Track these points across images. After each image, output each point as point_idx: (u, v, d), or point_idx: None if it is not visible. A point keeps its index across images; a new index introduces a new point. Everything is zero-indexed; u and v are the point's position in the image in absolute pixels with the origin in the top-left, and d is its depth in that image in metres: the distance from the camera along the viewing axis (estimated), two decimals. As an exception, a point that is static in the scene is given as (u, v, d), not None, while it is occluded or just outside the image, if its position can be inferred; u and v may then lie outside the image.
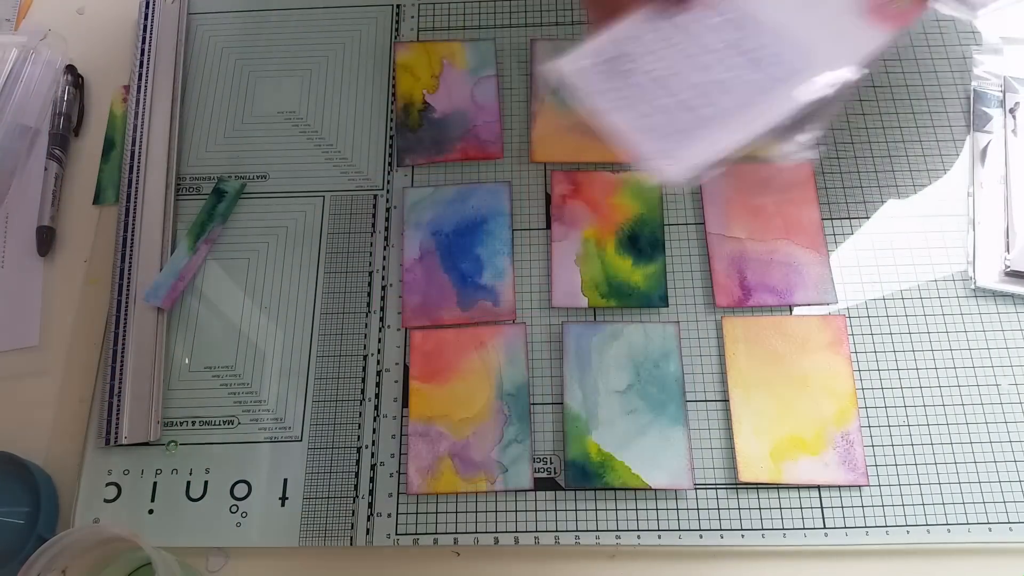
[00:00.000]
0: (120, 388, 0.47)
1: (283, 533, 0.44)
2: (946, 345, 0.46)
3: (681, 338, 0.47)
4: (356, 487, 0.45)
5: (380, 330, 0.49)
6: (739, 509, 0.43)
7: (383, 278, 0.50)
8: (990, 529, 0.42)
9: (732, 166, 0.34)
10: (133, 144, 0.53)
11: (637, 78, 0.35)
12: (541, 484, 0.44)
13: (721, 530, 0.43)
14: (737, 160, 0.35)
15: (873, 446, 0.44)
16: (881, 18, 0.35)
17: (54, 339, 0.50)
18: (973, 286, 0.47)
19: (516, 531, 0.44)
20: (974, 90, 0.52)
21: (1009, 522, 0.43)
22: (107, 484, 0.46)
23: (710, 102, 0.35)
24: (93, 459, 0.46)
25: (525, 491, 0.44)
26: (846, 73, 0.34)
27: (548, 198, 0.51)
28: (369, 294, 0.49)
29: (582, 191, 0.51)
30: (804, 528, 0.43)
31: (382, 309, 0.49)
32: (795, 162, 0.37)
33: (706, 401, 0.46)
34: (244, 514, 0.45)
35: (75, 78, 0.56)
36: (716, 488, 0.44)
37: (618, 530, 0.43)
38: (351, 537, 0.44)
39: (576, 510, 0.44)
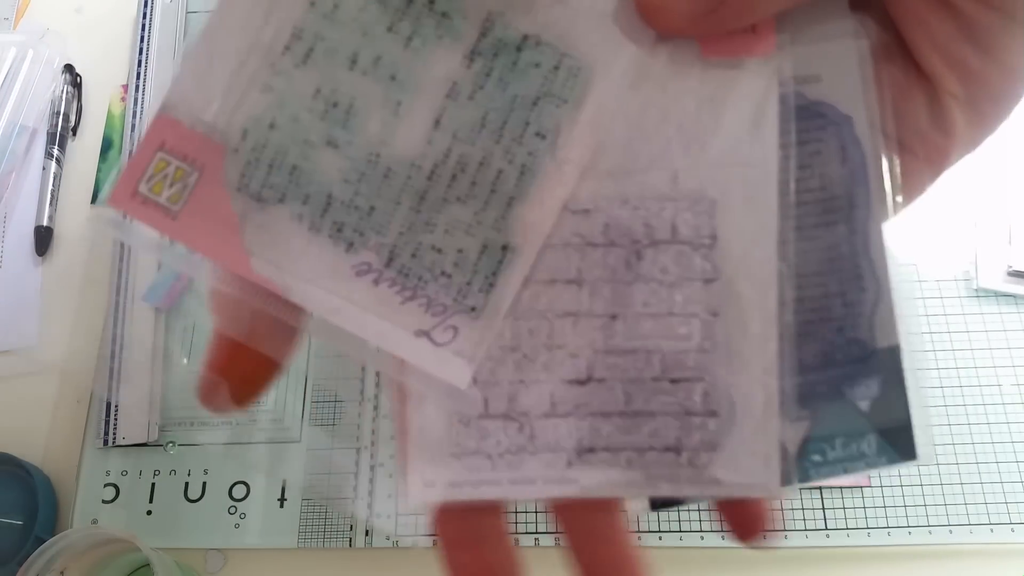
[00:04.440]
0: (118, 389, 0.47)
1: (282, 534, 0.44)
2: (948, 346, 0.46)
3: (682, 338, 0.47)
4: (355, 488, 0.45)
5: (379, 330, 0.48)
6: (740, 510, 0.43)
7: (383, 278, 0.50)
8: (992, 530, 0.42)
9: None
10: (131, 143, 0.53)
11: None
12: (541, 485, 0.44)
13: (723, 531, 0.43)
14: None
15: (875, 447, 0.44)
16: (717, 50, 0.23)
17: (52, 339, 0.50)
18: (975, 286, 0.47)
19: (516, 532, 0.43)
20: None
21: (1011, 523, 0.42)
22: (105, 485, 0.45)
23: None
24: (91, 460, 0.46)
25: (525, 492, 0.44)
26: None
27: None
28: (368, 294, 0.49)
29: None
30: (806, 529, 0.43)
31: (381, 309, 0.49)
32: None
33: (707, 402, 0.46)
34: (243, 515, 0.44)
35: (73, 77, 0.56)
36: (717, 489, 0.44)
37: (619, 531, 0.43)
38: (350, 539, 0.44)
39: (576, 511, 0.44)
